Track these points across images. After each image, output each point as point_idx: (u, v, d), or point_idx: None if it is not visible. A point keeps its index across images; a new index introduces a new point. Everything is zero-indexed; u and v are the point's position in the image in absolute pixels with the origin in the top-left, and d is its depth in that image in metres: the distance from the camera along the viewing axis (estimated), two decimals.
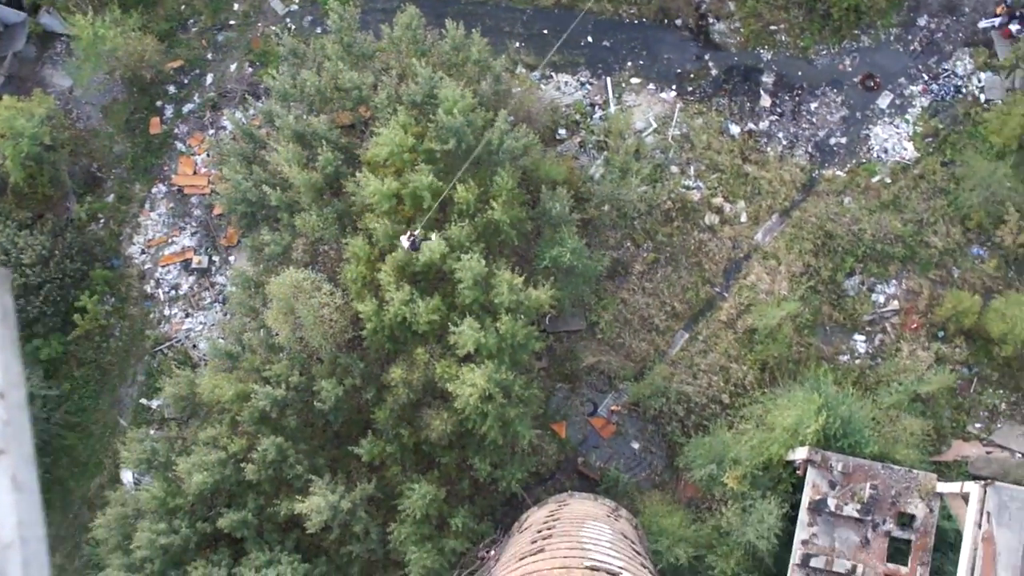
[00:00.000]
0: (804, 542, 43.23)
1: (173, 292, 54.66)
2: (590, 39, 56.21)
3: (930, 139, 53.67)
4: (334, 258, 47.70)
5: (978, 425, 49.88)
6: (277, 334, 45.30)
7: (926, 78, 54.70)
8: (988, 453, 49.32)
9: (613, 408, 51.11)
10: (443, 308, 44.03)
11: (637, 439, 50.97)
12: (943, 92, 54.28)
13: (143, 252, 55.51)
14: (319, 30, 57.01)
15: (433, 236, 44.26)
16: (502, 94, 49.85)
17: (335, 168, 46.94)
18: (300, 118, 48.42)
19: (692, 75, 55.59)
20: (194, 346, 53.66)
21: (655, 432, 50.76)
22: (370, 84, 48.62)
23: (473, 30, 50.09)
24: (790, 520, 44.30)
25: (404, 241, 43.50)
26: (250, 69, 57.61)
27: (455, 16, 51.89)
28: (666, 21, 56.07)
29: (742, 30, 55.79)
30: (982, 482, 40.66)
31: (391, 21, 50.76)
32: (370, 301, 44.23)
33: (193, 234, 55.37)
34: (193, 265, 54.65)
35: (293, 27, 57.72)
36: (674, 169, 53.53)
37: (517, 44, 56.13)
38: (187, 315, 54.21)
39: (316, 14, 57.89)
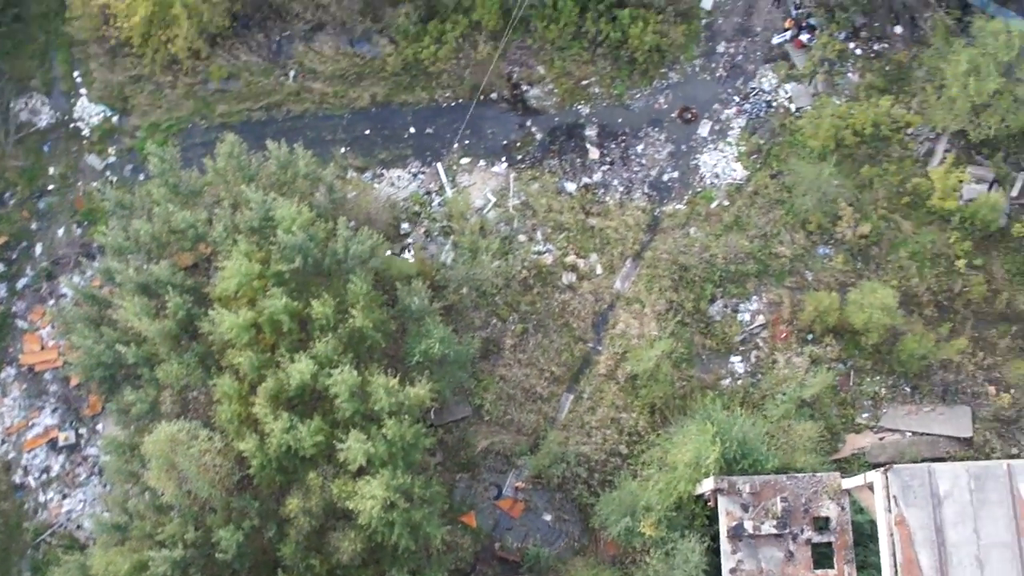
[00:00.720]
0: (732, 571, 43.46)
1: (44, 476, 52.23)
2: (412, 130, 56.75)
3: (755, 156, 55.69)
4: (205, 402, 46.39)
5: (865, 415, 51.25)
6: (163, 493, 43.64)
7: (737, 100, 56.90)
8: (881, 439, 50.68)
9: (517, 486, 50.72)
10: (326, 427, 43.23)
11: (548, 510, 50.60)
12: (756, 110, 56.51)
13: (3, 442, 53.00)
14: (142, 177, 55.96)
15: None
16: (338, 201, 49.79)
17: (186, 311, 45.90)
18: (140, 269, 47.31)
19: (519, 144, 56.54)
20: (78, 527, 51.19)
21: (564, 499, 50.46)
22: (204, 220, 47.90)
23: (296, 145, 50.12)
24: (714, 553, 44.51)
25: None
26: (79, 230, 56.14)
27: (275, 135, 51.81)
28: (482, 97, 56.96)
29: (556, 91, 57.12)
30: (882, 469, 41.68)
31: (213, 153, 50.27)
32: (251, 437, 43.09)
33: (54, 411, 53.16)
34: (60, 443, 52.36)
35: (115, 179, 56.60)
36: (522, 238, 54.11)
37: (343, 149, 56.15)
38: (64, 496, 51.81)
39: (136, 161, 56.90)
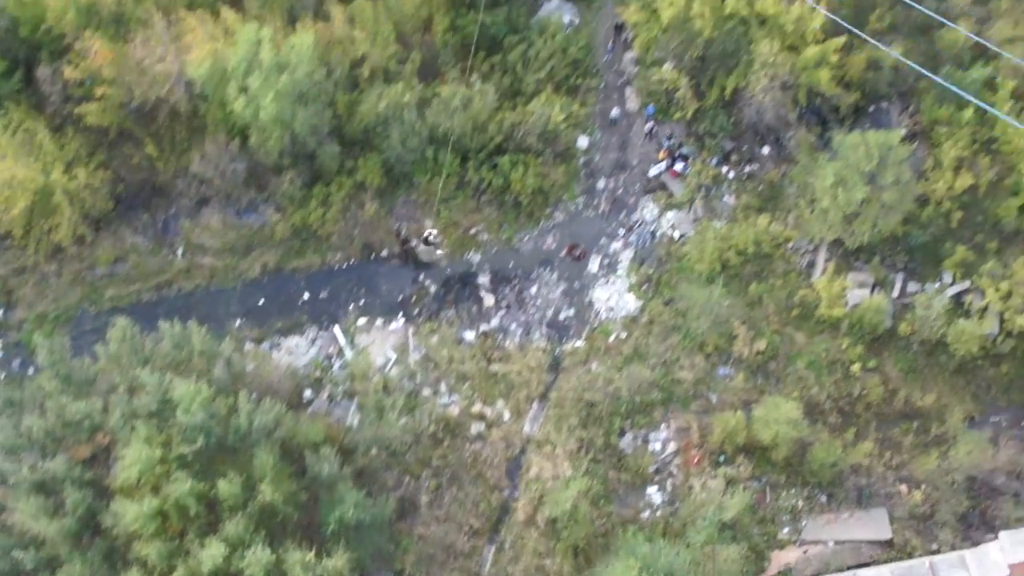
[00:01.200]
0: None
1: None
2: (307, 295, 56.70)
3: (646, 285, 56.89)
4: None
5: (786, 530, 51.50)
6: None
7: (623, 232, 58.35)
8: (805, 553, 50.88)
9: None
10: None
11: None
12: (642, 240, 57.97)
13: None
14: (31, 371, 54.52)
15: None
16: (237, 375, 49.12)
17: (87, 506, 44.35)
18: (35, 467, 45.60)
19: (414, 298, 56.81)
20: None
21: None
22: (100, 409, 46.67)
23: (190, 322, 49.59)
24: None
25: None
26: None
27: (168, 314, 51.43)
28: (373, 255, 57.42)
29: (446, 242, 57.78)
30: None
31: (104, 339, 49.31)
32: None
33: None
34: None
35: (3, 375, 55.01)
36: (427, 392, 53.86)
37: (238, 322, 55.70)
38: None
39: (24, 355, 55.49)
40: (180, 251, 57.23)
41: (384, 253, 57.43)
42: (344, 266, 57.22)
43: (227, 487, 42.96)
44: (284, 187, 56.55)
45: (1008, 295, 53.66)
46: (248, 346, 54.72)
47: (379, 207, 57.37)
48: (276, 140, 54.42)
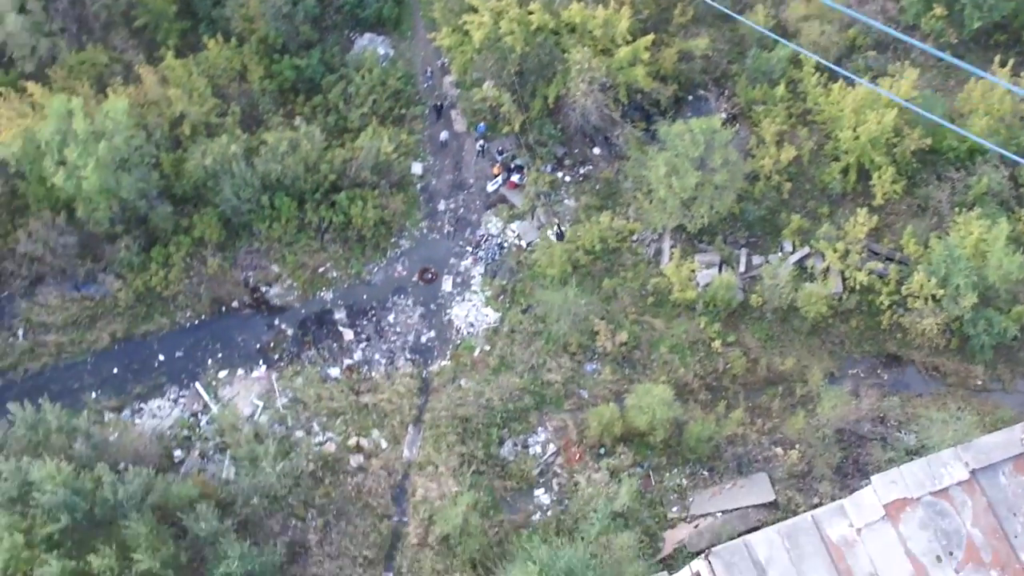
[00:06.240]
0: None
1: None
2: (161, 357, 54.97)
3: (502, 297, 57.27)
4: None
5: (675, 508, 51.97)
6: None
7: (471, 249, 58.78)
8: (696, 527, 51.42)
9: None
10: None
11: None
12: (490, 254, 58.44)
13: None
14: None
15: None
16: (100, 447, 47.24)
17: None
18: None
19: (272, 344, 55.68)
20: None
21: None
22: None
23: (41, 401, 47.50)
24: None
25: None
26: None
27: (17, 396, 49.24)
28: (224, 308, 56.25)
29: (295, 284, 57.06)
30: (703, 556, 42.15)
31: None
32: None
33: None
34: None
35: None
36: (300, 433, 52.63)
37: (93, 394, 53.40)
38: None
39: None
40: (20, 332, 54.69)
41: (235, 304, 56.30)
42: (196, 323, 55.77)
43: (100, 561, 41.22)
44: (120, 254, 55.06)
45: (845, 254, 56.16)
46: (108, 416, 52.57)
47: (222, 260, 56.33)
48: (104, 209, 53.15)
